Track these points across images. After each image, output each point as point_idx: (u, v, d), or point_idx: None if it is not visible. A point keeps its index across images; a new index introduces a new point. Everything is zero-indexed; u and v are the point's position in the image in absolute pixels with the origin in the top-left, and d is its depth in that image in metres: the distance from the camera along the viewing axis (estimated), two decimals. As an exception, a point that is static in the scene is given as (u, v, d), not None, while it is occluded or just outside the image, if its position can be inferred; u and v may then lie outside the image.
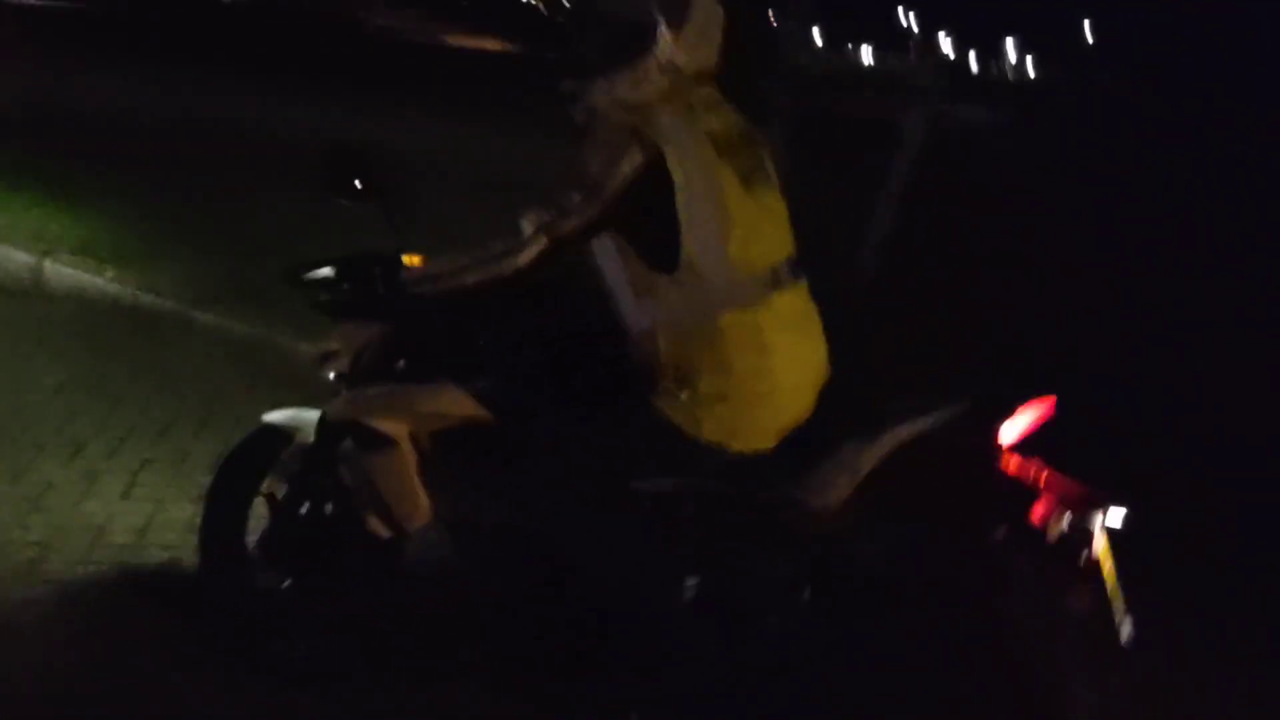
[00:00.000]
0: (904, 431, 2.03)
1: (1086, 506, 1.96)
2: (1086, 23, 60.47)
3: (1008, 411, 2.04)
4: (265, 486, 2.68)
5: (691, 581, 2.18)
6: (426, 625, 2.60)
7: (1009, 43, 62.77)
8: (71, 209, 6.24)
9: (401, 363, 2.39)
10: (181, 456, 3.63)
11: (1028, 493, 1.99)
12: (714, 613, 2.19)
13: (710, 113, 2.14)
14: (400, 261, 2.22)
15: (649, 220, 2.05)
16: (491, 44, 27.08)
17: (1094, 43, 61.48)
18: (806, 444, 2.11)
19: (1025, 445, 2.07)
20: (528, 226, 2.08)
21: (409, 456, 2.33)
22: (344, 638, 2.64)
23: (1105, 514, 1.96)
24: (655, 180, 2.03)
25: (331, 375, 2.50)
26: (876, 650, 2.05)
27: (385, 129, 8.81)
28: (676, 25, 2.09)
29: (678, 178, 2.03)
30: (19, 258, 5.42)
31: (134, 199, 6.56)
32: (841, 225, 7.00)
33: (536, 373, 2.30)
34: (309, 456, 2.57)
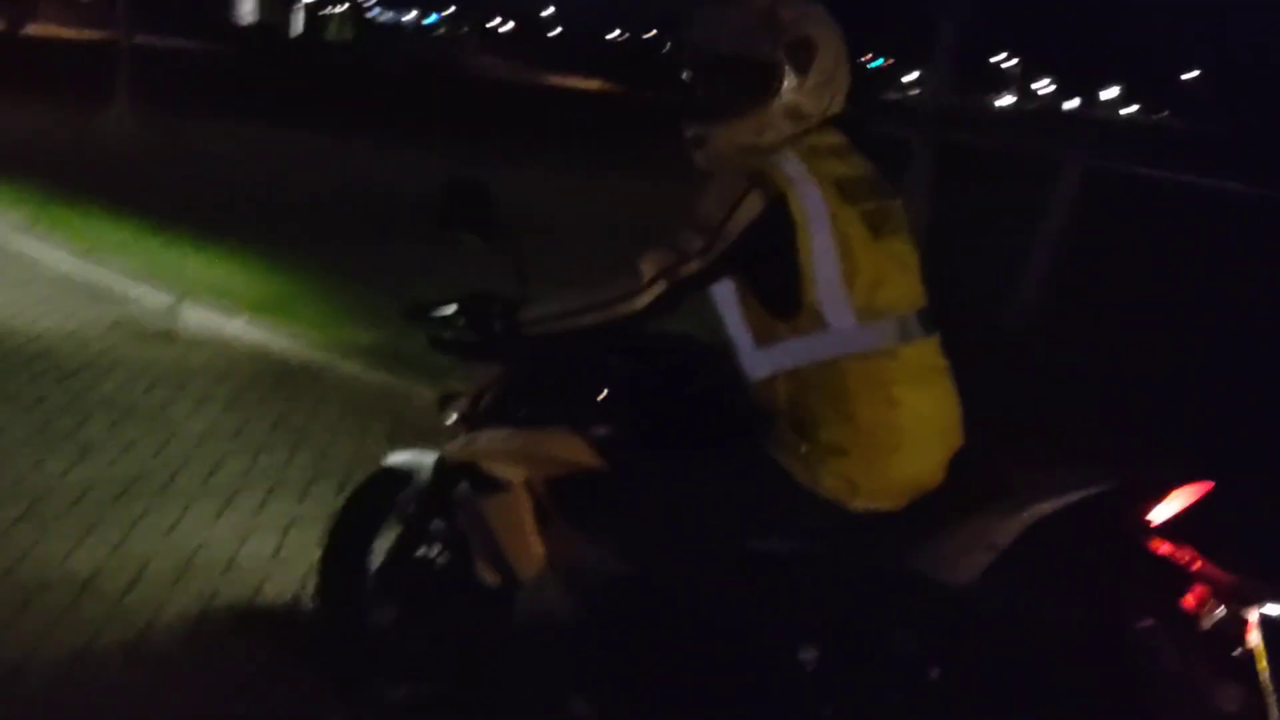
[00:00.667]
0: (1047, 506, 1.90)
1: (1242, 598, 1.80)
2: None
3: (1160, 493, 1.88)
4: (385, 528, 2.70)
5: (809, 653, 2.07)
6: (533, 674, 2.55)
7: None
8: (208, 251, 6.47)
9: (521, 410, 2.37)
10: (327, 516, 3.56)
11: (1178, 580, 1.83)
12: (832, 687, 2.08)
13: (835, 158, 2.10)
14: (519, 302, 2.21)
15: (770, 265, 2.01)
16: (599, 85, 27.29)
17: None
18: (936, 511, 1.99)
19: (1177, 529, 1.90)
20: (647, 269, 2.04)
21: (524, 502, 2.31)
22: (445, 683, 2.61)
23: (1262, 607, 1.79)
24: (777, 225, 1.98)
25: (452, 418, 2.50)
26: None
27: (496, 173, 9.00)
28: (802, 69, 2.05)
29: (800, 222, 1.98)
30: (157, 298, 5.62)
31: (270, 245, 6.76)
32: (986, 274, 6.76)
33: (653, 421, 2.25)
34: (425, 498, 2.57)
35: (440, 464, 2.50)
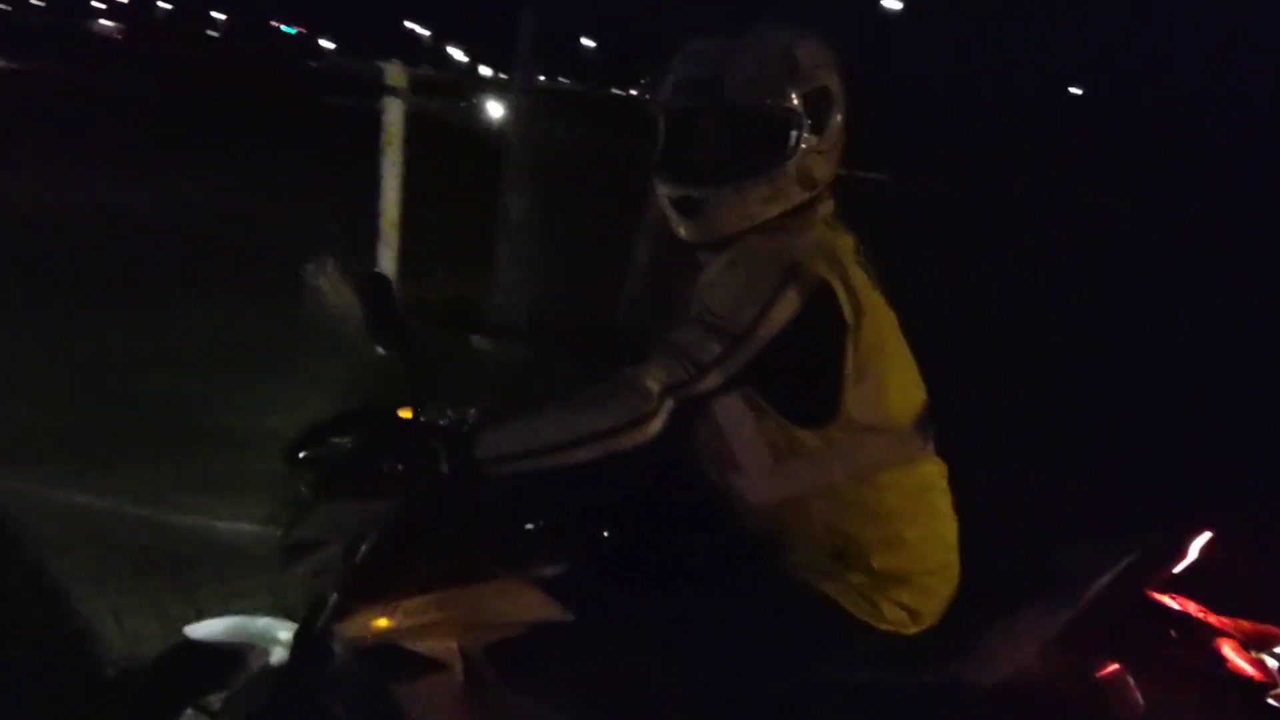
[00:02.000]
0: (1094, 587, 1.78)
1: (1266, 642, 1.82)
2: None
3: (1180, 552, 1.85)
4: None
5: None
6: None
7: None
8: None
9: (430, 557, 1.83)
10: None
11: (1205, 638, 1.82)
12: None
13: (845, 229, 1.80)
14: (474, 433, 1.66)
15: (804, 372, 1.68)
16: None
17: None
18: (979, 612, 1.81)
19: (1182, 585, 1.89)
20: (653, 385, 1.61)
21: (461, 682, 1.79)
22: None
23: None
24: (821, 326, 1.65)
25: (310, 572, 1.89)
26: None
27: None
28: (819, 126, 1.73)
29: (850, 321, 1.66)
30: None
31: None
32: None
33: (618, 553, 1.84)
34: (277, 689, 1.91)
35: (308, 639, 1.89)
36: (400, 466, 1.64)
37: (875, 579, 1.73)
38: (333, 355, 5.13)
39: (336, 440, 1.77)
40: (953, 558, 1.79)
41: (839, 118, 1.78)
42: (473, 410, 1.93)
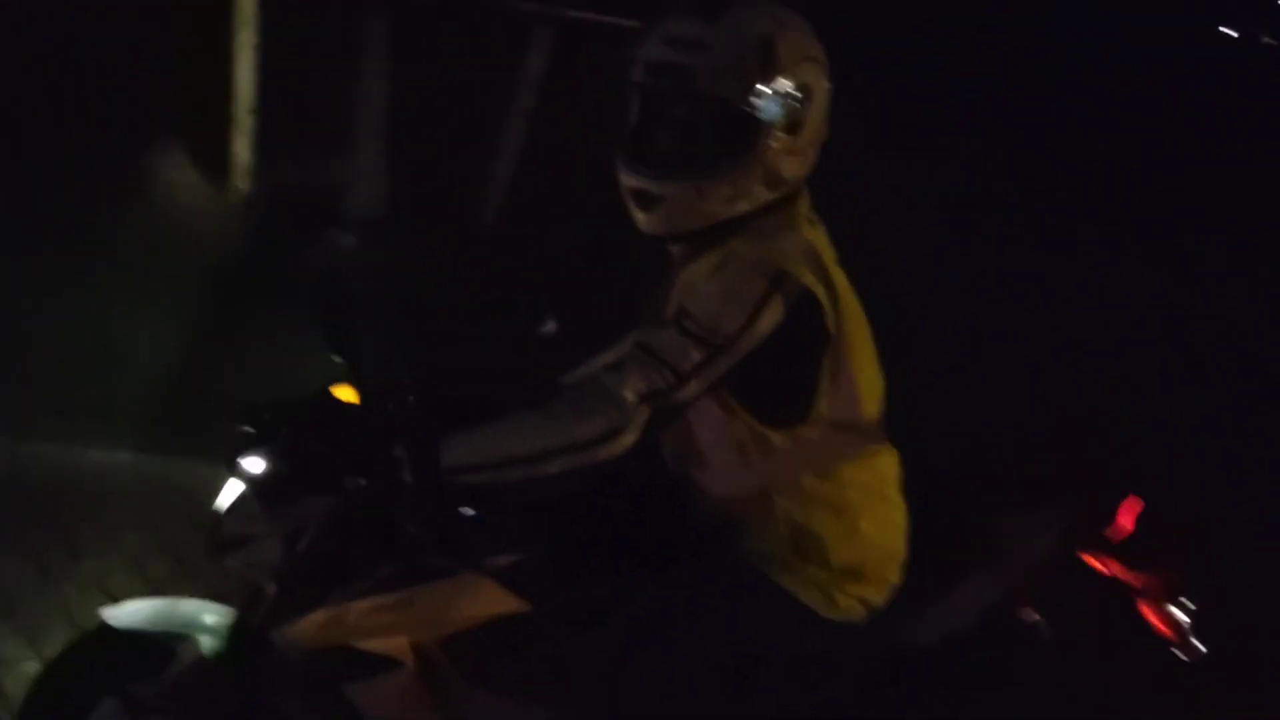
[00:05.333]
0: (1033, 555, 1.86)
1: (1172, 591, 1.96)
2: None
3: (1110, 516, 1.95)
4: None
5: None
6: None
7: None
8: None
9: (375, 554, 1.75)
10: None
11: (1130, 593, 1.95)
12: None
13: (816, 226, 1.74)
14: (427, 438, 1.56)
15: (781, 377, 1.64)
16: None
17: None
18: (925, 585, 1.86)
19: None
20: (629, 394, 1.53)
21: (416, 678, 1.74)
22: None
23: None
24: (804, 335, 1.61)
25: (245, 566, 1.79)
26: None
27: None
28: (793, 126, 1.63)
29: (832, 328, 1.63)
30: None
31: None
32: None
33: (576, 543, 1.80)
34: (215, 683, 1.82)
35: (244, 632, 1.79)
36: (362, 481, 1.54)
37: (832, 573, 1.75)
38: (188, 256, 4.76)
39: (273, 440, 1.63)
40: (902, 544, 1.83)
41: (817, 116, 1.68)
42: (410, 395, 1.82)
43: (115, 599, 1.97)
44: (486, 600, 1.73)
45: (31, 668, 2.43)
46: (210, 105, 5.34)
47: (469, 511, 1.75)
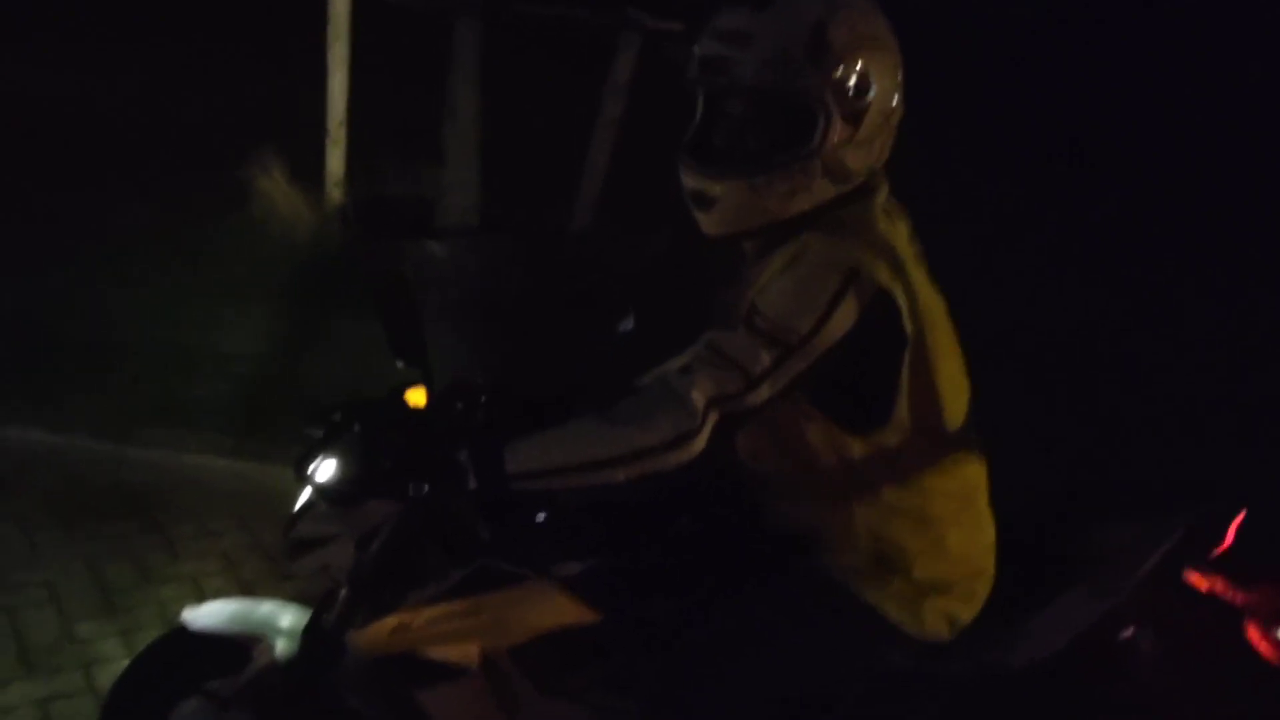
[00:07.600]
0: (1137, 571, 1.74)
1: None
2: None
3: (1222, 532, 1.82)
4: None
5: None
6: None
7: None
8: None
9: (443, 558, 1.73)
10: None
11: (1234, 618, 1.81)
12: None
13: (903, 220, 1.66)
14: (493, 440, 1.54)
15: (859, 381, 1.56)
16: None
17: None
18: (1016, 604, 1.76)
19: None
20: (698, 398, 1.48)
21: (485, 685, 1.72)
22: None
23: None
24: (881, 336, 1.53)
25: (319, 568, 1.79)
26: None
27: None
28: (853, 116, 1.55)
29: (910, 331, 1.54)
30: None
31: None
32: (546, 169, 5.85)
33: (648, 553, 1.75)
34: (291, 683, 1.83)
35: (318, 633, 1.79)
36: (426, 488, 1.52)
37: (917, 587, 1.66)
38: (283, 264, 4.88)
39: (341, 443, 1.63)
40: (991, 560, 1.73)
41: (883, 101, 1.58)
42: (481, 396, 1.81)
43: (211, 599, 1.99)
44: (555, 609, 1.69)
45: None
46: (305, 118, 5.49)
47: (539, 517, 1.73)
